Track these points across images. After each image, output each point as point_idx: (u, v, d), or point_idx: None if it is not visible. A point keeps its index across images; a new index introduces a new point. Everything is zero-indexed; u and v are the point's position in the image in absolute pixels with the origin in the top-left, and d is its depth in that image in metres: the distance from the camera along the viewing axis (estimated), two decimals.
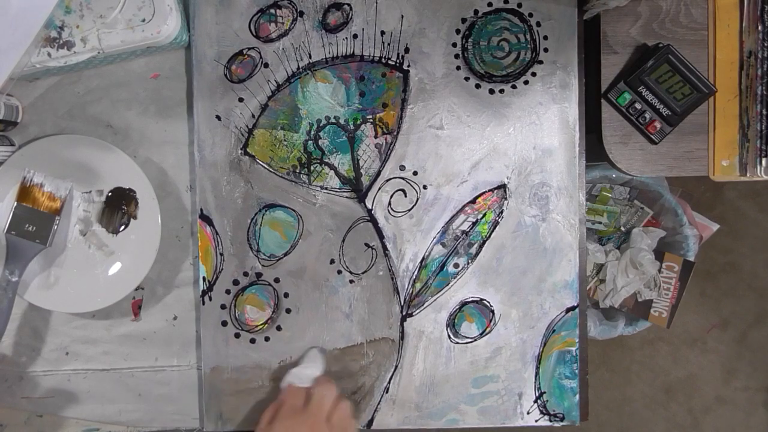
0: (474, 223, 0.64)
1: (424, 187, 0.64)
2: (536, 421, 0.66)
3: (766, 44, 0.66)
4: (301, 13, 0.62)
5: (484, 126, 0.64)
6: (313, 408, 0.55)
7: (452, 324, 0.65)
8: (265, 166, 0.63)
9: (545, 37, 0.64)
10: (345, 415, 0.57)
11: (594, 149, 0.69)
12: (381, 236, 0.64)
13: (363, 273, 0.64)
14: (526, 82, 0.64)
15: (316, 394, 0.56)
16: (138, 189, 0.61)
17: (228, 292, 0.63)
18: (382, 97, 0.63)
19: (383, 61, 0.63)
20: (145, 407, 0.65)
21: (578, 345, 0.65)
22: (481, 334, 0.65)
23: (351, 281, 0.64)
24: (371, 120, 0.63)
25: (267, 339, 0.63)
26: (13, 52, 0.51)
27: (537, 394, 0.65)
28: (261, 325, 0.63)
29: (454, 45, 0.63)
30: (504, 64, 0.64)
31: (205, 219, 0.62)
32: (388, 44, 0.63)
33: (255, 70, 0.62)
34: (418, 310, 0.64)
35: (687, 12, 0.67)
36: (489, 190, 0.64)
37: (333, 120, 0.63)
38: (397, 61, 0.63)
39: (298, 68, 0.62)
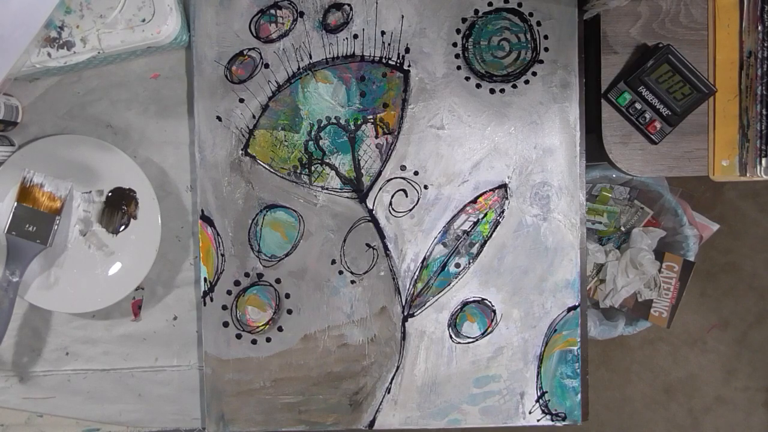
0: (475, 223, 0.64)
1: (425, 187, 0.64)
2: (538, 420, 0.66)
3: (766, 44, 0.66)
4: (302, 14, 0.62)
5: (485, 125, 0.64)
6: None
7: (454, 324, 0.64)
8: (266, 166, 0.63)
9: (545, 37, 0.64)
10: None
11: (594, 149, 0.69)
12: (382, 236, 0.64)
13: (364, 273, 0.64)
14: (526, 82, 0.64)
15: None
16: (138, 189, 0.61)
17: (229, 292, 0.63)
18: (382, 97, 0.63)
19: (384, 61, 0.63)
20: (145, 407, 0.65)
21: (579, 344, 0.65)
22: (482, 333, 0.65)
23: (352, 282, 0.64)
24: (372, 120, 0.63)
25: (268, 340, 0.63)
26: (12, 51, 0.51)
27: (539, 394, 0.65)
28: (262, 326, 0.63)
29: (455, 45, 0.63)
30: (504, 64, 0.64)
31: (206, 220, 0.62)
32: (389, 44, 0.63)
33: (255, 70, 0.62)
34: (419, 311, 0.64)
35: (687, 12, 0.67)
36: (490, 190, 0.64)
37: (334, 120, 0.63)
38: (398, 61, 0.63)
39: (299, 69, 0.62)
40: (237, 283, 0.63)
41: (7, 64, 0.52)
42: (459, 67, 0.63)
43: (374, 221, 0.64)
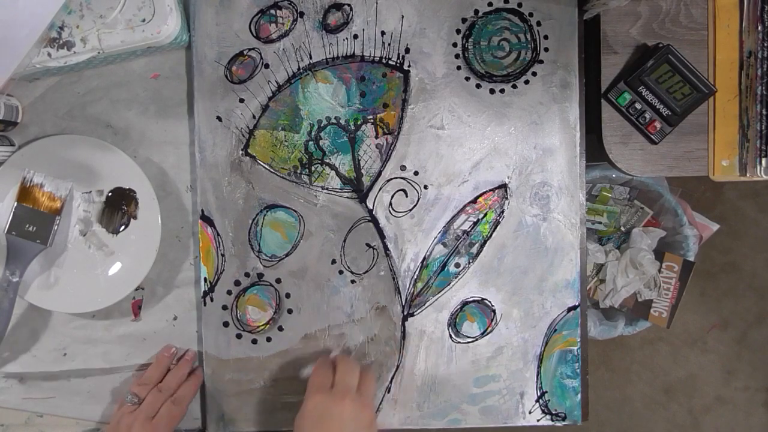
0: (475, 223, 0.64)
1: (425, 187, 0.64)
2: (538, 420, 0.66)
3: (766, 44, 0.66)
4: (302, 14, 0.62)
5: (485, 126, 0.64)
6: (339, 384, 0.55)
7: (454, 323, 0.65)
8: (266, 166, 0.63)
9: (545, 37, 0.64)
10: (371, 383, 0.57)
11: (594, 149, 0.69)
12: (382, 236, 0.64)
13: (364, 273, 0.64)
14: (526, 82, 0.64)
15: (339, 371, 0.56)
16: (138, 189, 0.61)
17: (229, 292, 0.63)
18: (382, 98, 0.63)
19: (384, 61, 0.63)
20: None
21: (579, 344, 0.65)
22: (482, 333, 0.65)
23: (352, 281, 0.64)
24: (372, 120, 0.63)
25: (269, 340, 0.63)
26: (17, 52, 0.51)
27: (539, 394, 0.65)
28: (262, 325, 0.63)
29: (455, 45, 0.63)
30: (504, 64, 0.64)
31: (206, 220, 0.62)
32: (389, 44, 0.63)
33: (255, 70, 0.62)
34: (419, 310, 0.64)
35: (687, 12, 0.67)
36: (490, 190, 0.64)
37: (334, 120, 0.63)
38: (398, 61, 0.63)
39: (299, 69, 0.62)
40: (237, 283, 0.63)
41: (12, 64, 0.52)
42: (459, 68, 0.63)
43: (374, 221, 0.64)
